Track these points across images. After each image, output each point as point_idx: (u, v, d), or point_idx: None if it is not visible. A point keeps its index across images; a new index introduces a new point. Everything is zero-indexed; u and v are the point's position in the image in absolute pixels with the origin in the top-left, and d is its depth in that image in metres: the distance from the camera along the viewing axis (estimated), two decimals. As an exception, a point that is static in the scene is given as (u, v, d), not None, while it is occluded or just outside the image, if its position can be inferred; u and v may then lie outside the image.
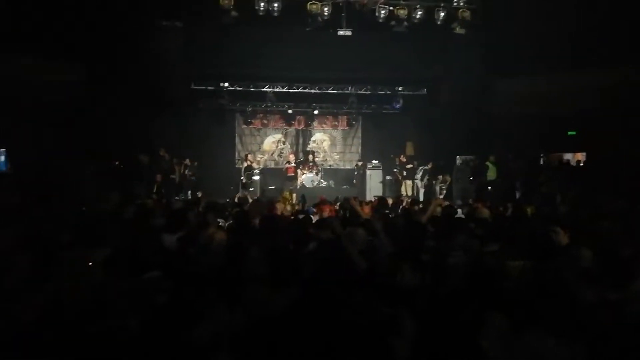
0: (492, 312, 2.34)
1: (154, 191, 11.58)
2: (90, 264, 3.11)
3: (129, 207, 5.92)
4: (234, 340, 1.97)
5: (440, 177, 13.26)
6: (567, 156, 13.15)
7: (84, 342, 2.12)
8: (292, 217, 6.49)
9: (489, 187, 12.20)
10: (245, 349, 1.87)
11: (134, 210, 5.68)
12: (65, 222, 4.79)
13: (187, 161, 13.00)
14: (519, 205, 6.97)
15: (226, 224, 5.81)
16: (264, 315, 2.22)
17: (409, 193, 13.39)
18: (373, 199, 10.57)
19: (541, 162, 13.22)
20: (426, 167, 13.63)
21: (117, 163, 11.82)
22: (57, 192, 7.67)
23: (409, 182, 13.77)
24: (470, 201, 8.66)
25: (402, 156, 14.23)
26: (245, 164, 13.50)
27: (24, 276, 2.74)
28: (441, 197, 12.66)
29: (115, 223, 4.72)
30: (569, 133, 12.68)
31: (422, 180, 13.63)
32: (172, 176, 12.75)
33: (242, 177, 13.36)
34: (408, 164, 13.96)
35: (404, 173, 13.79)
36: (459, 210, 7.15)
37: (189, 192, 12.90)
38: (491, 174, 12.37)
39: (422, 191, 13.59)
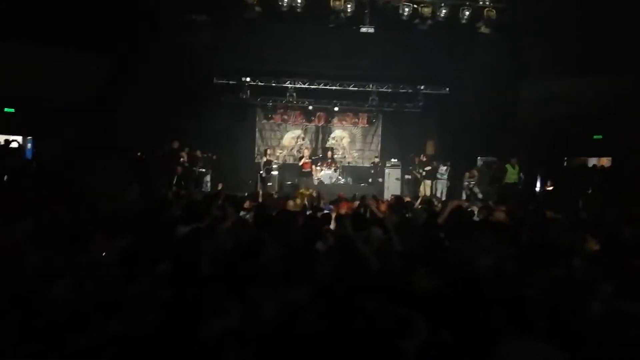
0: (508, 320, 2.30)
1: (174, 183, 11.72)
2: (109, 255, 3.18)
3: (148, 199, 6.01)
4: (243, 339, 1.98)
5: (467, 173, 13.02)
6: (592, 161, 12.87)
7: (102, 334, 2.16)
8: (309, 214, 6.51)
9: (509, 190, 11.96)
10: (255, 348, 1.88)
11: (152, 202, 5.76)
12: (86, 213, 4.89)
13: (198, 152, 13.08)
14: (539, 210, 6.83)
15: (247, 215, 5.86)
16: (273, 315, 2.23)
17: (428, 193, 13.27)
18: (390, 198, 10.53)
19: (564, 166, 12.97)
20: (448, 167, 13.48)
21: (138, 154, 12.02)
22: (79, 183, 7.83)
23: (428, 182, 13.66)
24: (491, 203, 8.48)
25: (422, 155, 14.11)
26: (264, 159, 13.58)
27: (38, 266, 2.79)
28: (478, 192, 12.46)
29: (133, 214, 4.80)
30: (595, 137, 12.38)
31: (448, 178, 13.49)
32: (194, 168, 12.90)
33: (261, 172, 13.43)
34: (427, 163, 13.84)
35: (423, 173, 13.69)
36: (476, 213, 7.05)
37: (203, 184, 13.03)
38: (511, 176, 12.14)
39: (444, 191, 13.47)
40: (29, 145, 12.31)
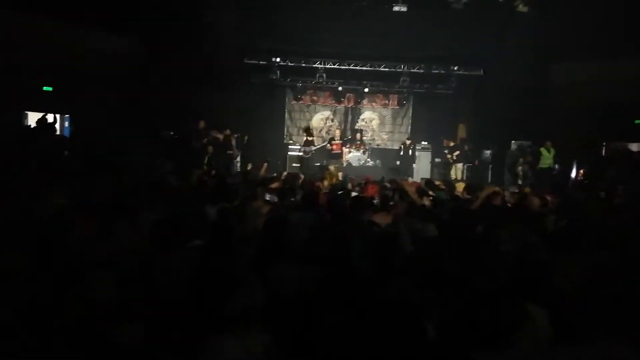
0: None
1: (205, 162, 11.88)
2: (139, 229, 3.26)
3: (178, 177, 6.13)
4: (266, 315, 2.01)
5: (521, 159, 12.62)
6: (633, 147, 12.34)
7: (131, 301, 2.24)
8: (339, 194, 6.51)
9: (543, 176, 11.64)
10: (276, 324, 1.90)
11: (182, 180, 5.87)
12: (119, 188, 5.02)
13: (228, 132, 13.04)
14: (572, 196, 6.64)
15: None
16: (296, 291, 2.25)
17: (459, 176, 13.05)
18: (420, 181, 10.42)
19: (603, 152, 12.51)
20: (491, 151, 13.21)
21: (171, 133, 12.23)
22: (114, 159, 8.04)
23: (459, 166, 13.41)
24: (527, 189, 8.24)
25: (450, 141, 13.81)
26: (305, 138, 13.47)
27: (86, 236, 2.90)
28: (530, 176, 12.16)
29: (164, 191, 4.90)
30: (636, 122, 11.85)
31: (492, 162, 13.24)
32: (224, 149, 13.01)
33: (300, 152, 13.36)
34: (457, 147, 13.56)
35: (454, 156, 13.43)
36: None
37: (233, 164, 13.13)
38: (546, 161, 11.79)
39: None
40: (67, 123, 12.68)
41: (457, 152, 13.43)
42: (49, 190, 3.70)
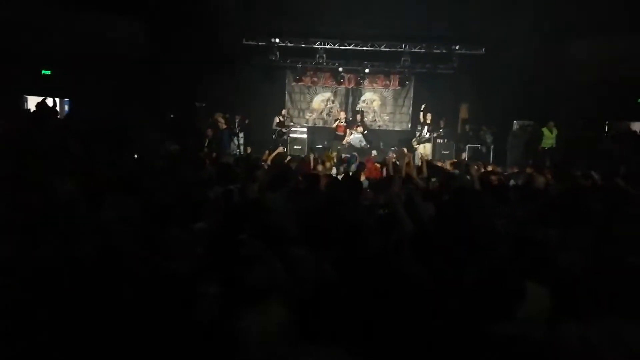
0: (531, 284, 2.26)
1: (205, 145, 11.87)
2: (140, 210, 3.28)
3: (181, 160, 6.13)
4: (285, 292, 2.04)
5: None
6: (636, 126, 12.29)
7: (134, 282, 2.27)
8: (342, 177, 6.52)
9: (545, 156, 11.61)
10: (295, 303, 1.93)
11: (185, 162, 5.88)
12: (121, 170, 5.03)
13: (221, 116, 13.02)
14: (573, 175, 6.64)
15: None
16: (303, 274, 2.27)
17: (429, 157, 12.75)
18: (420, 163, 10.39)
19: (605, 131, 12.46)
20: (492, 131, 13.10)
21: (171, 116, 12.19)
22: (116, 141, 8.03)
23: (429, 145, 13.20)
24: (529, 170, 8.23)
25: (427, 116, 13.60)
26: (276, 120, 13.39)
27: (82, 218, 2.92)
28: None
29: (167, 173, 4.91)
30: (639, 100, 11.79)
31: (492, 144, 13.15)
32: (225, 131, 12.96)
33: (274, 134, 13.31)
34: (435, 125, 13.37)
35: (426, 135, 13.17)
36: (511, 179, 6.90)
37: (234, 146, 13.13)
38: (547, 141, 11.75)
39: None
40: (66, 107, 12.64)
41: (441, 131, 13.18)
42: (57, 177, 3.70)
